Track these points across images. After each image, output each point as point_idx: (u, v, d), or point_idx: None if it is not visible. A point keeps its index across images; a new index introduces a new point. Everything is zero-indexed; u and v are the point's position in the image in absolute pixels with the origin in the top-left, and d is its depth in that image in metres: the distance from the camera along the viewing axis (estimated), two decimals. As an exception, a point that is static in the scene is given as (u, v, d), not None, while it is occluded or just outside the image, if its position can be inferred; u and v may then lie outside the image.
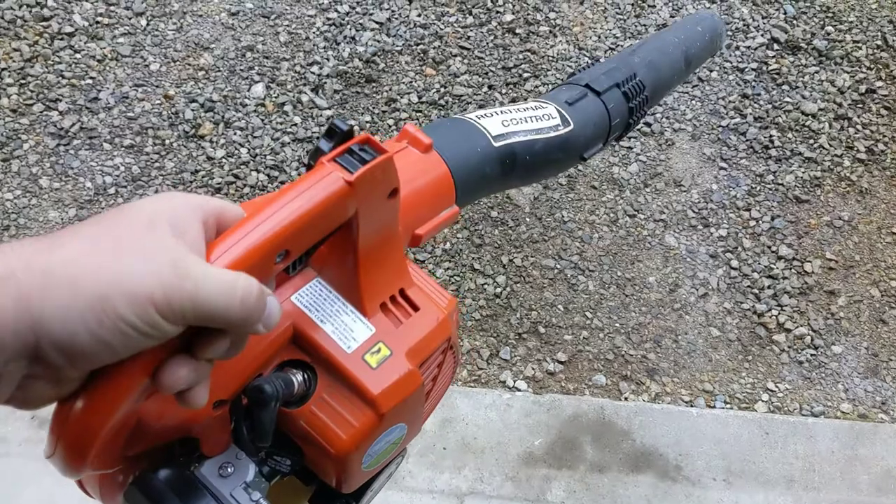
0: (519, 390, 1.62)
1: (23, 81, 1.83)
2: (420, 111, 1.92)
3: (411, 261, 0.58)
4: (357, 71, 1.93)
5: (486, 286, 1.75)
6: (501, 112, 0.64)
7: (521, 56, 2.03)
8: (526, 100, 0.73)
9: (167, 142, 1.80)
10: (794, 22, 2.14)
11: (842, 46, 2.10)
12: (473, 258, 1.78)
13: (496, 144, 0.62)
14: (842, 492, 1.51)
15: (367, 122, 1.87)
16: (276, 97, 1.87)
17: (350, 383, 0.43)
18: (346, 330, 0.44)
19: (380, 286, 0.46)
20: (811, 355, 1.72)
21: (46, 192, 1.72)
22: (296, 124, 1.84)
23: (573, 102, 0.69)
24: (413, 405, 0.47)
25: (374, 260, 0.44)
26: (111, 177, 1.74)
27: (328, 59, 1.94)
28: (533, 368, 1.66)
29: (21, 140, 1.77)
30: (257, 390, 0.38)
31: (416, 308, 0.48)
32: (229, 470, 0.41)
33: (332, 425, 0.43)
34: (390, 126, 1.87)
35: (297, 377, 0.42)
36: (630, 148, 1.94)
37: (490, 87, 1.97)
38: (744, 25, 2.13)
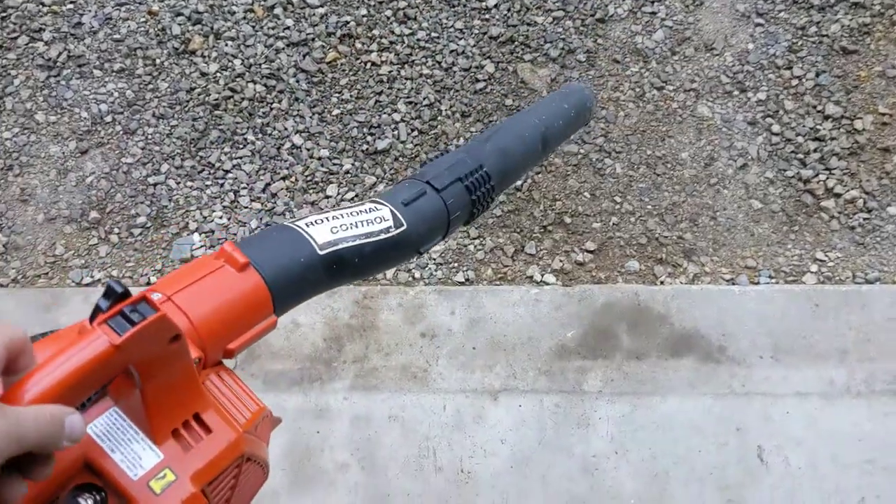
0: (547, 284, 1.54)
1: (3, 14, 1.75)
2: (420, -2, 1.77)
3: (226, 367, 0.62)
4: (348, -38, 1.78)
5: (505, 179, 1.65)
6: (333, 218, 0.66)
7: None
8: (363, 200, 0.76)
9: (157, 61, 1.71)
10: None
11: None
12: (490, 151, 1.68)
13: (322, 252, 0.64)
14: (900, 359, 1.42)
15: (363, 15, 1.74)
16: (264, 0, 1.75)
17: None
18: (134, 457, 0.47)
19: (171, 414, 0.49)
20: (864, 219, 1.59)
21: (44, 127, 1.67)
22: (288, 27, 1.72)
23: (409, 203, 0.71)
24: None
25: (163, 393, 0.48)
26: (106, 104, 1.67)
27: (316, -47, 1.80)
28: (561, 261, 1.58)
29: (11, 76, 1.71)
30: None
31: (208, 430, 0.51)
32: None
33: None
34: (388, 18, 1.74)
35: (88, 501, 0.45)
36: (654, 13, 1.76)
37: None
38: None
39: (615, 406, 1.41)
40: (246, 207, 1.59)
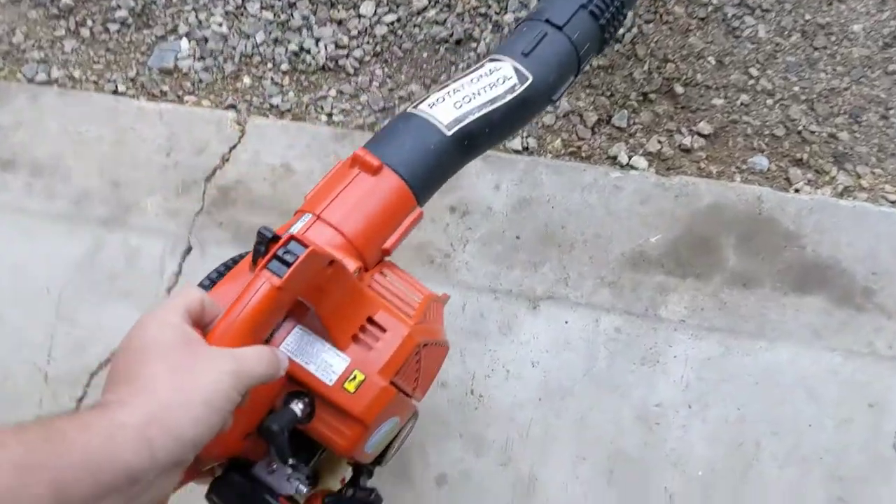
0: (635, 168, 1.13)
1: None
2: None
3: (388, 262, 0.64)
4: None
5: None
6: (453, 92, 0.64)
7: None
8: (482, 61, 0.67)
9: None
10: None
11: None
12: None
13: (450, 133, 0.62)
14: None
15: None
16: None
17: (337, 407, 0.55)
18: (326, 366, 0.55)
19: (347, 323, 0.56)
20: None
21: None
22: None
23: (530, 51, 0.66)
24: (395, 407, 0.58)
25: (335, 308, 0.54)
26: None
27: None
28: (660, 141, 1.15)
29: None
30: (266, 430, 0.51)
31: (383, 330, 0.57)
32: (274, 466, 0.58)
33: (333, 436, 0.56)
34: None
35: (299, 406, 0.54)
36: None
37: None
38: None
39: (700, 344, 1.01)
40: (254, 16, 1.22)
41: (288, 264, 0.46)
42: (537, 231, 1.08)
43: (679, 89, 1.18)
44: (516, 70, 0.65)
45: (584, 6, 0.69)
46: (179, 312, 0.46)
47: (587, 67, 1.10)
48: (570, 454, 0.97)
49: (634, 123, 1.17)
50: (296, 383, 0.54)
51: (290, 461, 0.56)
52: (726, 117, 1.17)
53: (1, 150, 1.14)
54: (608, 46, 0.73)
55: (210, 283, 0.59)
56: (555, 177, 1.10)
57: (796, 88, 1.18)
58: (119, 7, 1.24)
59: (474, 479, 0.97)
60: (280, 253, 0.46)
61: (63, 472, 0.35)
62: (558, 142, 1.16)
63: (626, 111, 1.17)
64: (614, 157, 1.15)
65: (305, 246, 0.46)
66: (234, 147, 1.11)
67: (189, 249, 1.08)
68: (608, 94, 1.19)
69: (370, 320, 0.57)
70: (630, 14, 1.21)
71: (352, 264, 0.58)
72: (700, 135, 1.16)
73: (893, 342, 1.00)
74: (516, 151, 1.15)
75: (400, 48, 1.22)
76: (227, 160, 1.10)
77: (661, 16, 1.22)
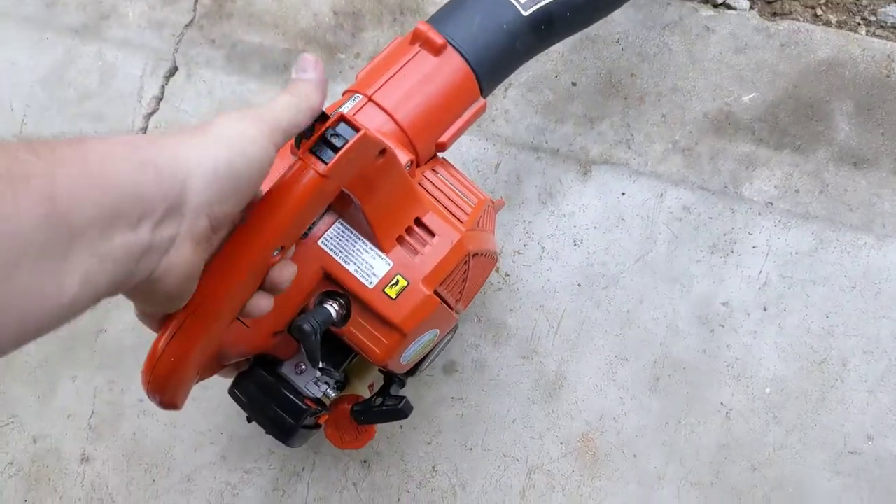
0: (732, 8, 0.89)
1: None
2: None
3: (441, 159, 0.58)
4: None
5: None
6: None
7: None
8: None
9: None
10: None
11: None
12: None
13: (526, 13, 0.57)
14: None
15: None
16: None
17: (375, 313, 0.51)
18: (367, 267, 0.50)
19: (393, 222, 0.51)
20: None
21: None
22: None
23: None
24: (436, 318, 0.54)
25: (382, 205, 0.48)
26: None
27: None
28: (767, -23, 0.90)
29: None
30: (298, 329, 0.48)
31: (432, 234, 0.52)
32: (303, 367, 0.55)
33: (368, 342, 0.52)
34: None
35: (334, 307, 0.50)
36: None
37: None
38: None
39: (788, 234, 0.81)
40: None
41: (335, 149, 0.40)
42: (599, 77, 0.86)
43: (802, -88, 0.91)
44: None
45: None
46: (269, 130, 0.38)
47: None
48: (608, 354, 0.80)
49: (737, -47, 0.91)
50: (332, 282, 0.51)
51: (320, 364, 0.54)
52: (859, -47, 0.90)
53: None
54: None
55: None
56: (629, 10, 0.87)
57: (959, -79, 0.90)
58: None
59: (489, 370, 0.81)
60: (327, 135, 0.40)
61: (57, 184, 0.28)
62: (636, -29, 0.92)
63: (728, -64, 0.92)
64: (706, -5, 0.90)
65: (356, 129, 0.40)
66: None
67: (174, 69, 0.90)
68: (708, -88, 0.93)
69: (418, 222, 0.52)
70: None
71: (404, 157, 0.52)
72: (822, -28, 0.90)
73: None
74: (582, -20, 0.91)
75: None
76: (222, -42, 0.89)
77: None
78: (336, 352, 0.56)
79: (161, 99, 0.89)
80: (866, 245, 0.80)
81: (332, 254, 0.50)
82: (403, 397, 0.61)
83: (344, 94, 0.57)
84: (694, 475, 0.77)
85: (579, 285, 0.82)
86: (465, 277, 0.56)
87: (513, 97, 0.87)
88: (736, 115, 0.84)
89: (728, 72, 0.85)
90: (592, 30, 0.87)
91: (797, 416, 0.77)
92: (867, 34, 0.88)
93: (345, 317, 0.52)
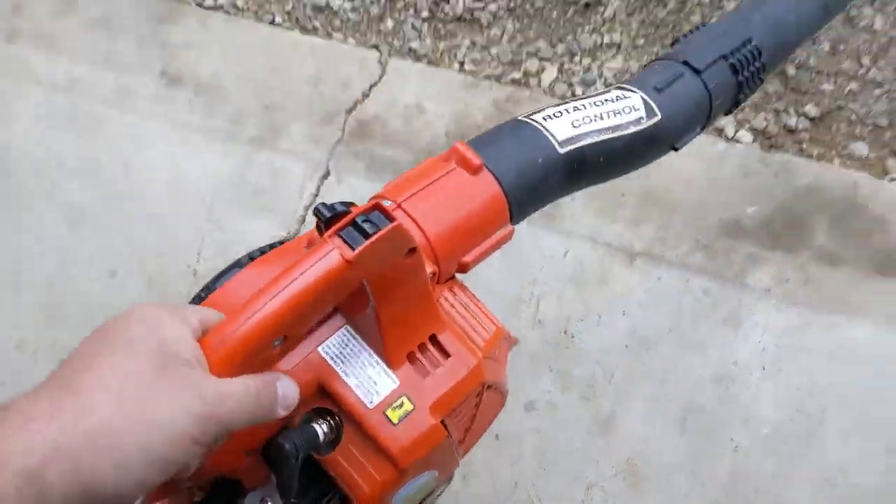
0: (740, 143, 1.19)
1: None
2: None
3: (459, 281, 0.54)
4: None
5: (722, 0, 1.26)
6: (573, 109, 0.58)
7: None
8: (609, 88, 0.62)
9: None
10: None
11: None
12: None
13: (562, 151, 0.56)
14: None
15: None
16: None
17: (371, 438, 0.43)
18: (369, 383, 0.44)
19: (407, 335, 0.45)
20: None
21: None
22: None
23: (663, 88, 0.61)
24: (439, 455, 0.46)
25: (398, 312, 0.43)
26: None
27: None
28: (766, 119, 1.21)
29: None
30: (278, 448, 0.40)
31: (447, 355, 0.46)
32: (269, 502, 0.43)
33: (356, 476, 0.44)
34: None
35: (323, 427, 0.43)
36: None
37: None
38: None
39: (781, 314, 1.09)
40: (395, -36, 1.31)
41: (367, 235, 0.37)
42: (642, 191, 1.16)
43: (791, 71, 1.23)
44: (645, 103, 0.59)
45: (724, 57, 0.63)
46: (188, 327, 0.37)
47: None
48: (648, 400, 1.08)
49: (743, 100, 1.23)
50: (326, 397, 0.44)
51: (293, 500, 0.44)
52: (833, 102, 1.22)
53: (171, 66, 1.27)
54: (738, 107, 0.66)
55: (249, 259, 0.49)
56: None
57: (906, 82, 1.22)
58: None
59: (559, 409, 1.08)
60: (359, 220, 0.38)
61: None
62: (668, 111, 1.23)
63: (736, 88, 1.23)
64: (721, 129, 1.21)
65: (391, 219, 0.38)
66: (375, 84, 1.22)
67: (327, 174, 1.20)
68: (721, 69, 1.25)
69: (433, 339, 0.46)
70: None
71: (427, 267, 0.46)
72: (806, 117, 1.21)
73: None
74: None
75: (532, 6, 1.29)
76: (367, 96, 1.21)
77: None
78: (312, 486, 0.46)
79: (317, 195, 1.18)
80: (841, 324, 1.08)
81: (332, 363, 0.44)
82: None
83: (371, 199, 0.51)
84: (710, 494, 1.03)
85: (627, 346, 1.10)
86: (475, 412, 0.50)
87: (578, 202, 1.17)
88: (742, 223, 1.14)
89: (737, 192, 1.15)
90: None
91: (788, 451, 1.04)
92: (840, 165, 1.18)
93: (332, 442, 0.44)
